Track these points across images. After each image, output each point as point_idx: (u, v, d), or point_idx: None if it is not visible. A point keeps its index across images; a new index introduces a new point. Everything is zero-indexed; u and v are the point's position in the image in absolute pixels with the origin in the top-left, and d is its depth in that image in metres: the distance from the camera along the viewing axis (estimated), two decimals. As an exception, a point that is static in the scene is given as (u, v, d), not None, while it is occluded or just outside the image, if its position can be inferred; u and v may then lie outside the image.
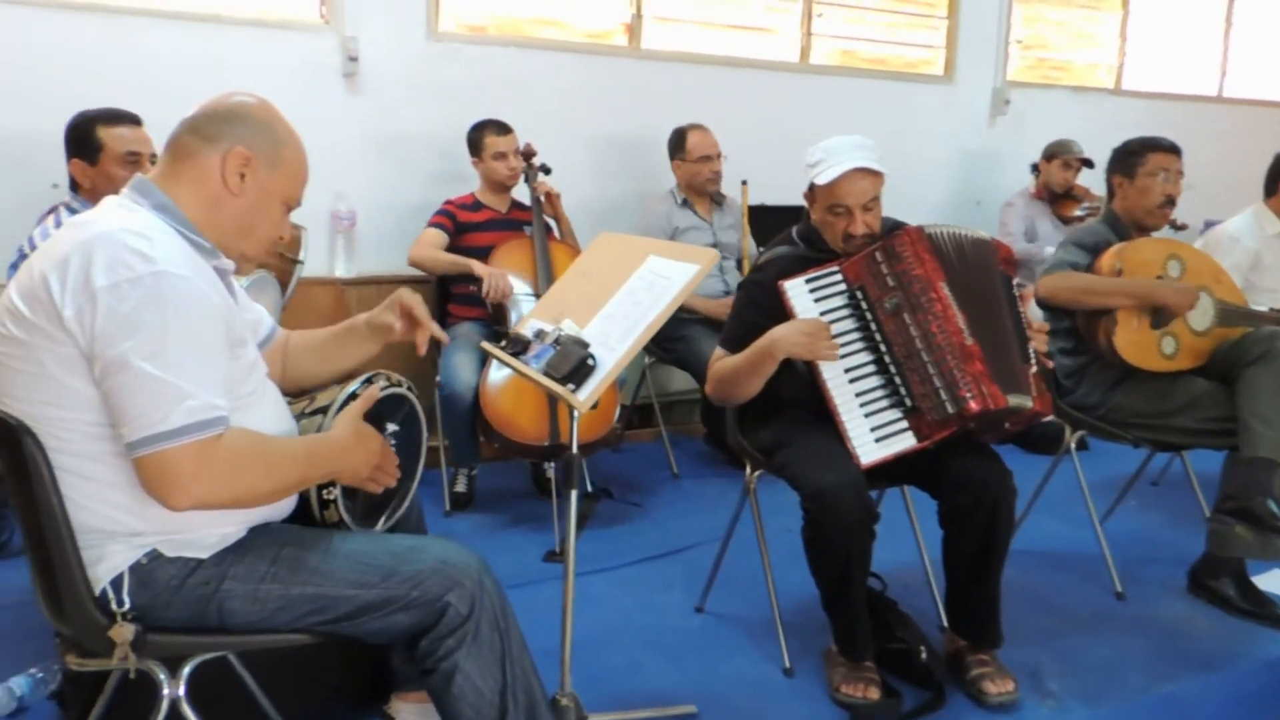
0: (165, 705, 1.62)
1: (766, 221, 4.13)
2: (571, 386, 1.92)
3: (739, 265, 4.16)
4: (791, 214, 2.73)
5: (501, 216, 3.84)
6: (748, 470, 2.57)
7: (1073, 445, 3.00)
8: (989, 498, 2.27)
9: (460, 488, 3.65)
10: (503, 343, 2.21)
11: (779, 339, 2.28)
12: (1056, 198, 4.97)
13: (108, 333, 1.41)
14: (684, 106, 4.35)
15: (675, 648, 2.61)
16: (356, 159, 4.00)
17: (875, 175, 2.36)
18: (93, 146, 2.65)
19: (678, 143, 4.14)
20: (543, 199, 3.81)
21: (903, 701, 2.32)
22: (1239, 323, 2.91)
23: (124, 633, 1.51)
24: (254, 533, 1.62)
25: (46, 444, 1.48)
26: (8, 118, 3.45)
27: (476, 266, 3.58)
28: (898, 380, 2.30)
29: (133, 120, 2.72)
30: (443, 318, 3.78)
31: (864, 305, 2.33)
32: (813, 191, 2.41)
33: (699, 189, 4.13)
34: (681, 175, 4.15)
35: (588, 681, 2.28)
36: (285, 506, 1.69)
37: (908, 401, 2.28)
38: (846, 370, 2.32)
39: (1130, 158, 3.02)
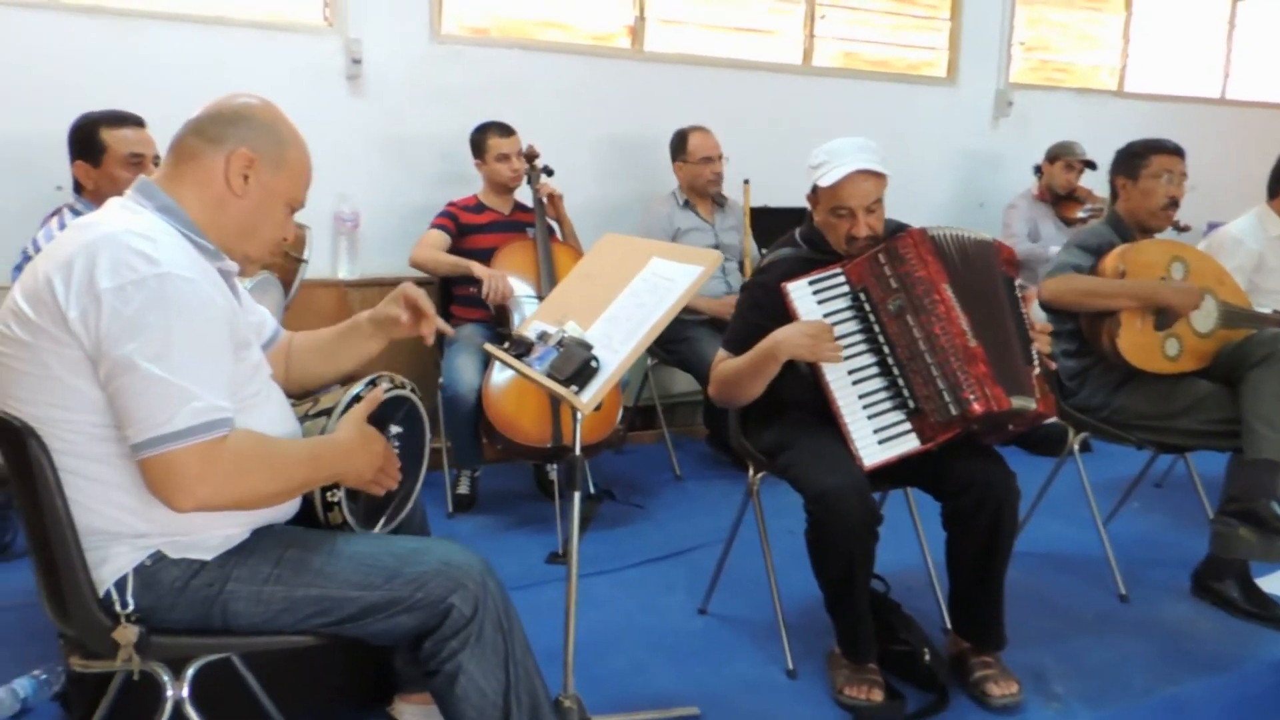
0: (169, 707, 1.62)
1: (769, 223, 4.13)
2: (575, 388, 1.92)
3: (740, 266, 4.16)
4: (794, 216, 2.73)
5: (504, 218, 3.84)
6: (750, 472, 2.57)
7: (1076, 447, 3.00)
8: (992, 499, 2.27)
9: (463, 489, 3.65)
10: (506, 344, 2.21)
11: (782, 341, 2.28)
12: (1059, 199, 4.97)
13: (112, 334, 1.41)
14: (687, 108, 4.35)
15: (678, 649, 2.61)
16: (360, 161, 4.01)
17: (878, 177, 2.36)
18: (96, 148, 2.65)
19: (679, 144, 4.15)
20: (545, 201, 3.81)
21: (906, 704, 2.32)
22: (1242, 325, 2.91)
23: (128, 634, 1.51)
24: (258, 534, 1.62)
25: (51, 445, 1.48)
26: (11, 119, 3.46)
27: (476, 268, 3.59)
28: (901, 382, 2.29)
29: (136, 122, 2.72)
30: (445, 319, 3.77)
31: (867, 307, 2.33)
32: (816, 193, 2.41)
33: (701, 190, 4.14)
34: (683, 177, 4.16)
35: (591, 683, 2.28)
36: (289, 508, 1.69)
37: (911, 403, 2.28)
38: (849, 372, 2.32)
39: (1134, 159, 3.01)
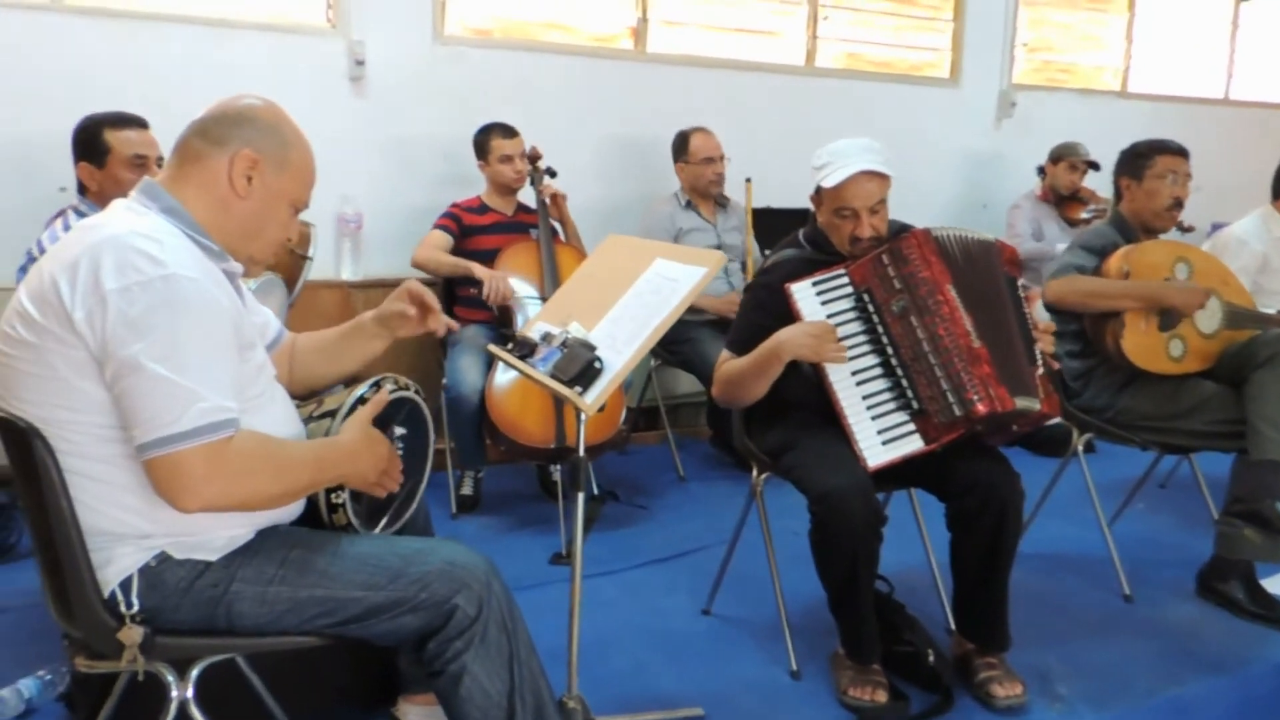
0: (174, 707, 1.62)
1: (772, 224, 4.13)
2: (578, 389, 1.91)
3: (743, 266, 4.16)
4: (797, 216, 2.73)
5: (507, 219, 3.85)
6: (754, 473, 2.57)
7: (1080, 448, 2.99)
8: (997, 500, 2.26)
9: (466, 490, 3.65)
10: (509, 345, 2.22)
11: (785, 341, 2.28)
12: (1062, 200, 4.97)
13: (118, 335, 1.42)
14: (690, 110, 4.35)
15: (682, 650, 2.61)
16: (363, 162, 4.01)
17: (882, 178, 2.36)
18: (100, 150, 2.65)
19: (681, 145, 4.16)
20: (548, 202, 3.82)
21: (910, 705, 2.32)
22: (1247, 325, 2.90)
23: (133, 635, 1.51)
24: (262, 535, 1.62)
25: (56, 446, 1.49)
26: (15, 121, 3.46)
27: (477, 269, 3.59)
28: (904, 383, 2.29)
29: (140, 123, 2.72)
30: (449, 320, 3.78)
31: (870, 308, 2.33)
32: (819, 194, 2.41)
33: (703, 191, 4.14)
34: (685, 178, 4.17)
35: (594, 684, 2.28)
36: (293, 509, 1.69)
37: (915, 404, 2.28)
38: (853, 373, 2.32)
39: (1138, 160, 3.01)
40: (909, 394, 2.29)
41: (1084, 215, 4.89)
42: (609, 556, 3.17)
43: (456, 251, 3.72)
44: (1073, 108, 5.67)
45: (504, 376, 3.38)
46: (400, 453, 1.76)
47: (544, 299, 3.55)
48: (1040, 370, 2.32)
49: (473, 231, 3.77)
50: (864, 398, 2.31)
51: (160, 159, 2.68)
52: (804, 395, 2.39)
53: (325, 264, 3.91)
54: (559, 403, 3.29)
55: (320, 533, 1.68)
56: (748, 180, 4.17)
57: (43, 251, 2.37)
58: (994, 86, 5.49)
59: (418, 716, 2.00)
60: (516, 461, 3.79)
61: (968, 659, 2.42)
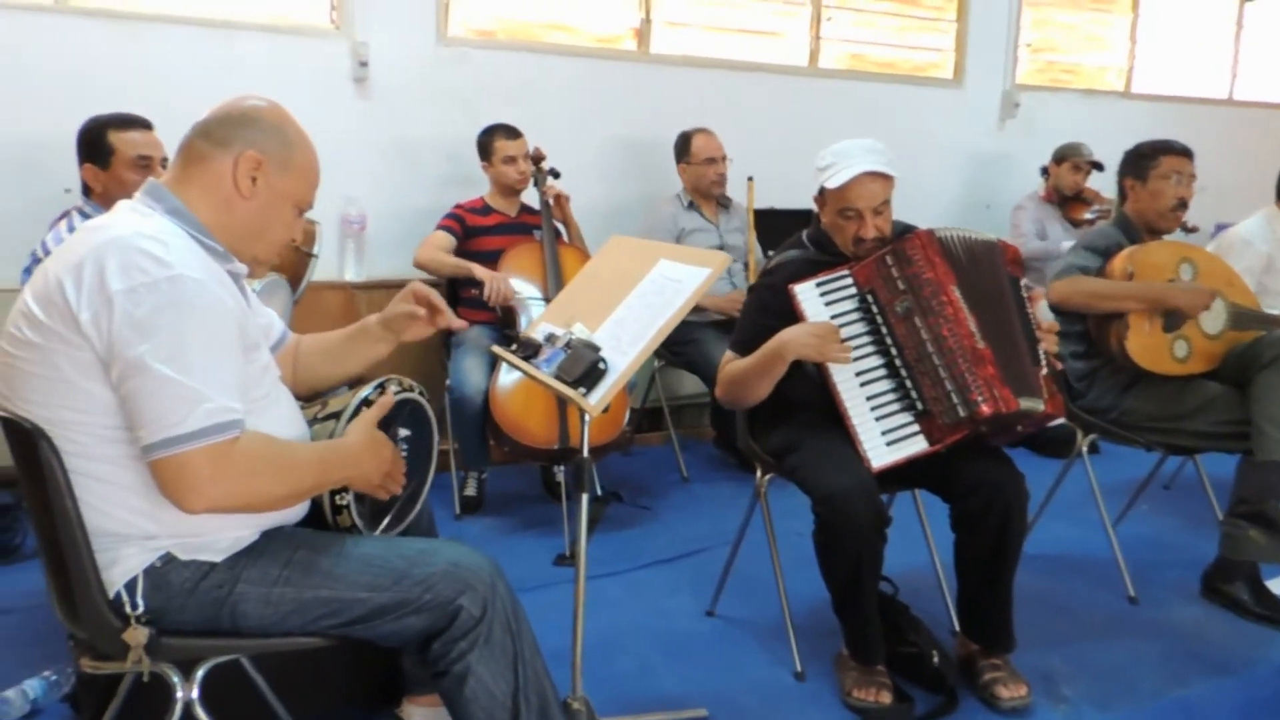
0: (179, 708, 1.62)
1: (775, 225, 4.13)
2: (583, 390, 1.91)
3: (745, 265, 4.16)
4: (801, 217, 2.73)
5: (511, 220, 3.85)
6: (758, 474, 2.57)
7: (1084, 449, 2.99)
8: (1001, 501, 2.26)
9: (470, 491, 3.65)
10: (513, 346, 2.22)
11: (788, 340, 2.28)
12: (1066, 201, 4.96)
13: (124, 336, 1.42)
14: (693, 111, 4.36)
15: (686, 651, 2.61)
16: (366, 163, 4.02)
17: (886, 179, 2.36)
18: (104, 151, 2.66)
19: (683, 146, 4.16)
20: (551, 203, 3.82)
21: (914, 706, 2.31)
22: (1252, 326, 2.90)
23: (138, 636, 1.51)
24: (267, 536, 1.63)
25: (61, 447, 1.49)
26: (20, 122, 3.47)
27: (477, 270, 3.59)
28: (909, 384, 2.29)
29: (144, 125, 2.73)
30: (452, 322, 3.79)
31: (874, 309, 2.33)
32: (823, 195, 2.41)
33: (704, 192, 4.15)
34: (687, 179, 4.17)
35: (599, 684, 2.28)
36: (298, 510, 1.70)
37: (919, 405, 2.28)
38: (857, 374, 2.32)
39: (1142, 160, 3.01)
40: (913, 395, 2.28)
41: (1087, 216, 4.89)
42: (613, 557, 3.17)
43: (460, 253, 3.73)
44: (1076, 108, 5.67)
45: (508, 378, 3.38)
46: (404, 454, 1.76)
47: (547, 300, 3.55)
48: (1044, 370, 2.32)
49: (476, 232, 3.77)
50: (868, 399, 2.31)
51: (165, 160, 2.68)
52: (808, 396, 2.39)
53: (329, 265, 3.91)
54: (562, 404, 3.29)
55: (325, 534, 1.68)
56: (749, 179, 4.17)
57: (47, 253, 2.38)
58: (997, 87, 5.48)
59: (422, 717, 2.00)
60: (520, 462, 3.79)
61: (972, 660, 2.42)
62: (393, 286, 3.96)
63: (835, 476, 2.21)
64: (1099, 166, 4.82)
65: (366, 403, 1.71)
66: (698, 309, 3.69)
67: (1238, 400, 2.72)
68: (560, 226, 3.87)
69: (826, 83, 5.02)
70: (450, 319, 1.93)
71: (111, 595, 1.53)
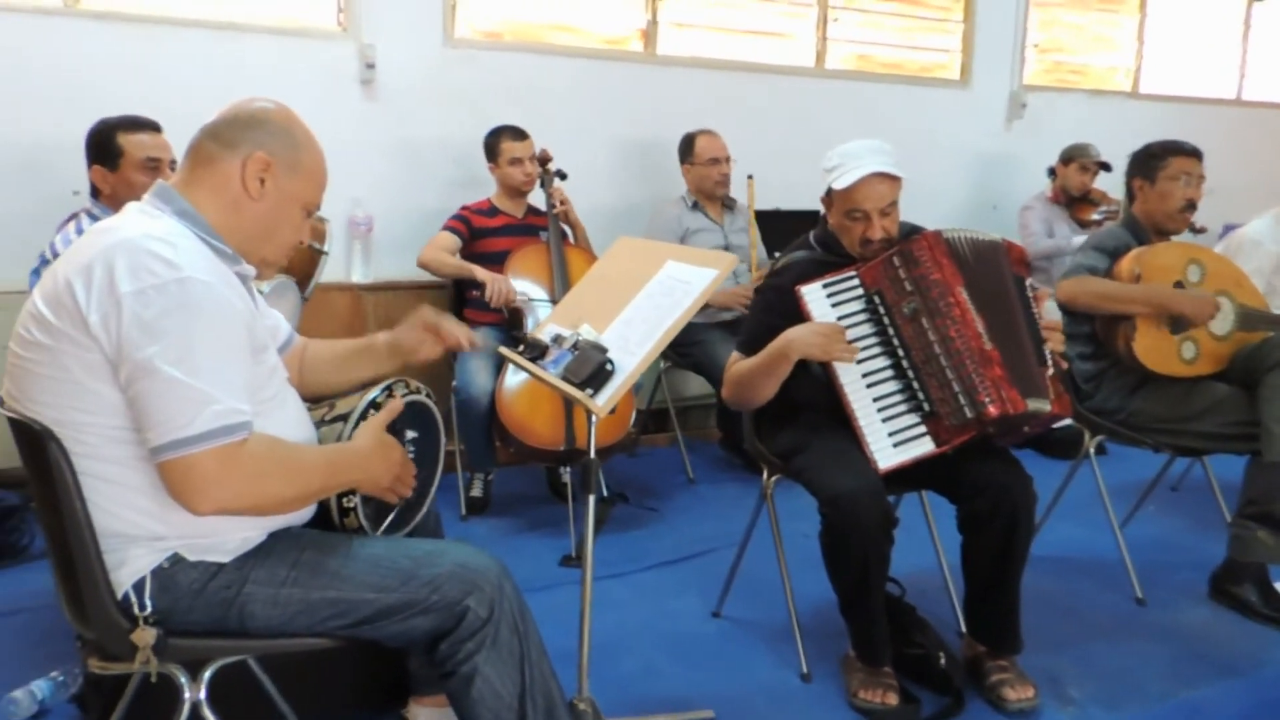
0: (186, 709, 1.62)
1: (781, 226, 4.13)
2: (590, 391, 1.92)
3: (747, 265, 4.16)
4: (807, 218, 2.73)
5: (517, 222, 3.85)
6: (764, 475, 2.57)
7: (1092, 450, 2.98)
8: (1008, 503, 2.26)
9: (476, 492, 3.66)
10: (520, 347, 2.22)
11: (794, 339, 2.28)
12: (1073, 201, 4.95)
13: (133, 338, 1.42)
14: (699, 112, 4.36)
15: (692, 653, 2.61)
16: (373, 165, 4.03)
17: (893, 180, 2.35)
18: (113, 153, 2.66)
19: (687, 147, 4.16)
20: (558, 204, 3.82)
21: (921, 707, 2.31)
22: (1260, 327, 2.89)
23: (146, 636, 1.52)
24: (274, 537, 1.63)
25: (70, 449, 1.49)
26: (29, 124, 3.49)
27: (479, 272, 3.60)
28: (915, 385, 2.29)
29: (153, 127, 2.73)
30: (458, 323, 3.79)
31: (881, 310, 2.33)
32: (830, 196, 2.41)
33: (708, 192, 4.15)
34: (691, 179, 4.17)
35: (605, 686, 2.28)
36: (305, 512, 1.70)
37: (926, 406, 2.27)
38: (864, 375, 2.31)
39: (1151, 161, 3.00)
40: (920, 396, 2.28)
41: (1095, 216, 4.88)
42: (619, 559, 3.17)
43: (467, 254, 3.73)
44: (1083, 109, 5.66)
45: (514, 379, 3.38)
46: (412, 456, 1.76)
47: (554, 301, 3.55)
48: (1050, 371, 2.32)
49: (483, 234, 3.77)
50: (875, 399, 2.30)
51: (173, 162, 2.69)
52: (814, 397, 2.39)
53: (336, 266, 3.92)
54: (569, 405, 3.29)
55: (332, 535, 1.68)
56: (749, 177, 4.17)
57: (56, 254, 2.39)
58: (1004, 87, 5.48)
59: (429, 718, 2.00)
60: (526, 463, 3.79)
61: (979, 661, 2.41)
62: (399, 288, 3.99)
63: (842, 478, 2.20)
64: (1106, 167, 4.82)
65: (374, 405, 1.71)
66: (704, 308, 3.69)
67: (1246, 401, 2.71)
68: (566, 228, 3.88)
69: (833, 84, 5.02)
70: (453, 341, 1.94)
71: (119, 596, 1.53)
